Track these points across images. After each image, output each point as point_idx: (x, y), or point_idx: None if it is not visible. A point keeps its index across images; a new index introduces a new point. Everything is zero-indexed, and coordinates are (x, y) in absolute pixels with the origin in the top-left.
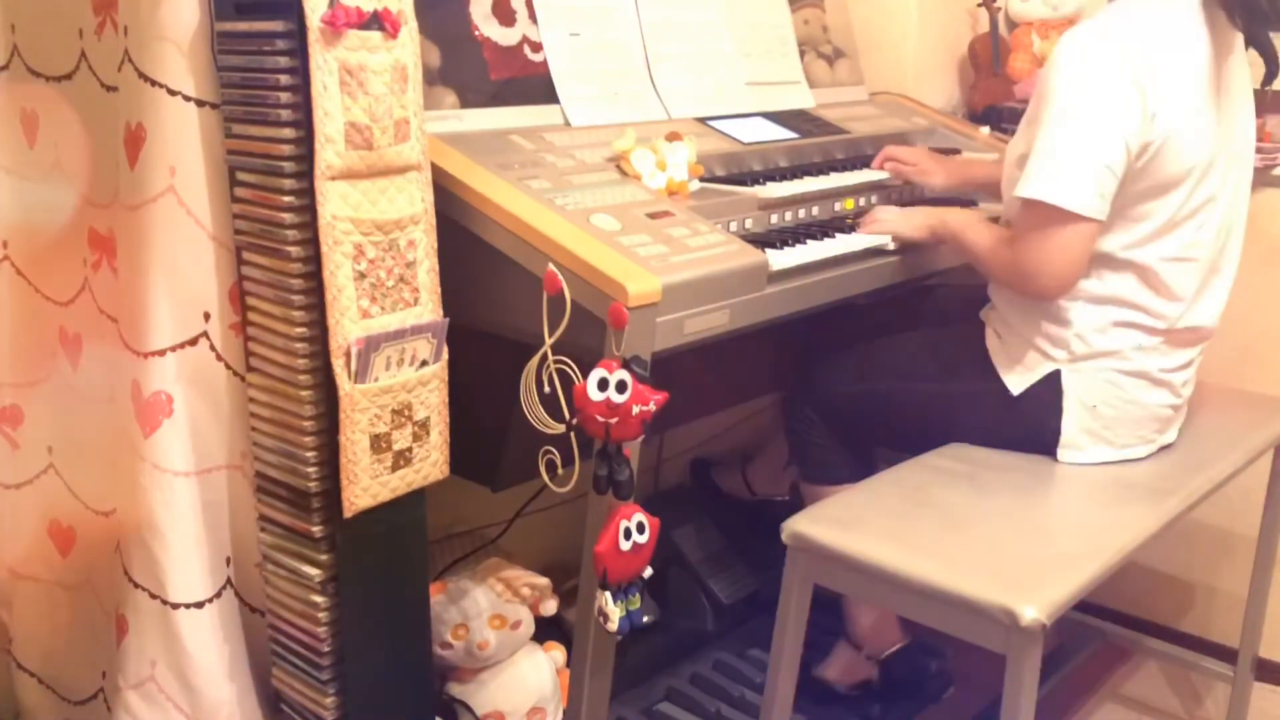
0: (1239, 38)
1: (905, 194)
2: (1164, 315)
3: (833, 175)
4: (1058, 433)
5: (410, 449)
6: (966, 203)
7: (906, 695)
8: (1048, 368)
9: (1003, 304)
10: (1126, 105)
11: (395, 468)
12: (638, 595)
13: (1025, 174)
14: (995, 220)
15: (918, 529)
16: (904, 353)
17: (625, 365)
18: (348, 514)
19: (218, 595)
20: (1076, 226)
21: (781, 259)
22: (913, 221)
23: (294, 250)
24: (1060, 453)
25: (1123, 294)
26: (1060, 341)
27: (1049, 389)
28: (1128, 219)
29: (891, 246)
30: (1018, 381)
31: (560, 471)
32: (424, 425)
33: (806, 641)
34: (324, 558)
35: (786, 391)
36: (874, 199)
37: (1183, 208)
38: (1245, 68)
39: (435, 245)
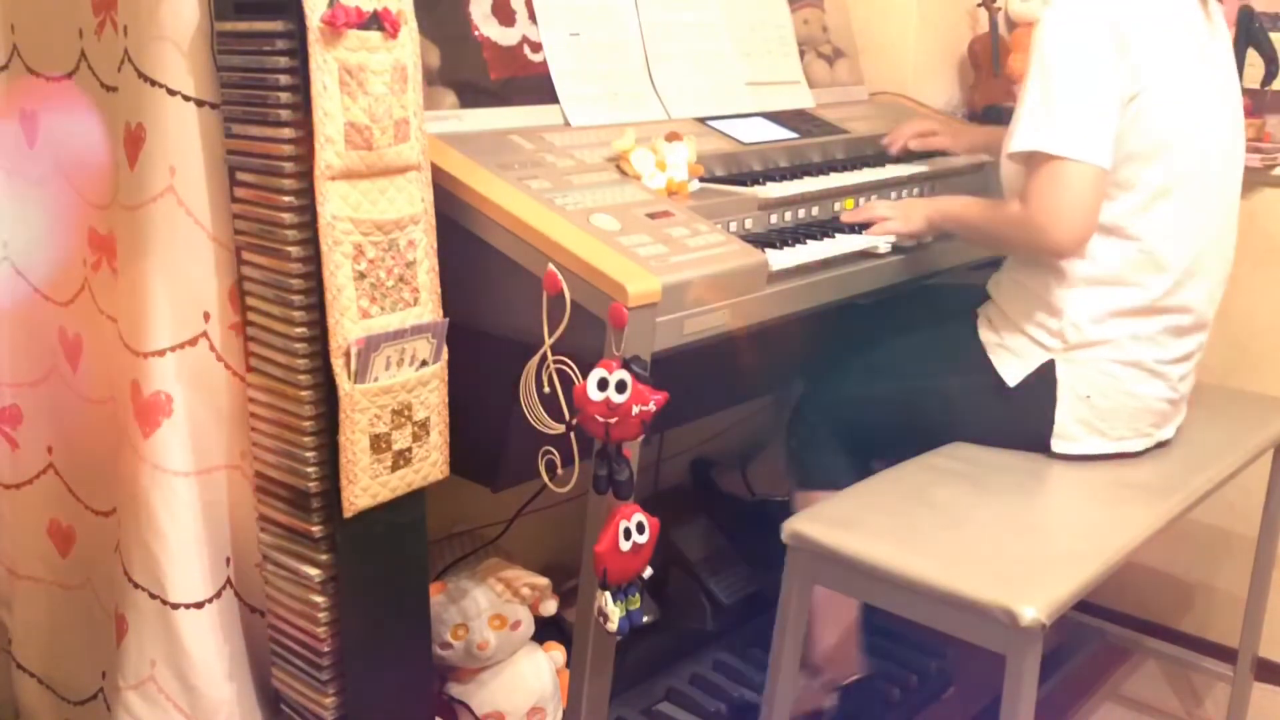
0: (1218, 14)
1: (903, 194)
2: (1153, 288)
3: (832, 175)
4: (1052, 423)
5: (410, 449)
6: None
7: None
8: (1042, 358)
9: (1000, 296)
10: (1109, 53)
11: (395, 468)
12: (638, 595)
13: (1018, 127)
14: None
15: (917, 529)
16: (900, 353)
17: (625, 365)
18: (348, 514)
19: (217, 595)
20: (1081, 172)
21: (781, 259)
22: (910, 215)
23: (294, 250)
24: (1054, 443)
25: (1115, 271)
26: (1054, 331)
27: (1044, 379)
28: (1117, 184)
29: (883, 249)
30: (1013, 372)
31: (560, 471)
32: (424, 425)
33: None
34: (324, 558)
35: (793, 399)
36: (874, 199)
37: (1170, 175)
38: (1228, 48)
39: (435, 245)
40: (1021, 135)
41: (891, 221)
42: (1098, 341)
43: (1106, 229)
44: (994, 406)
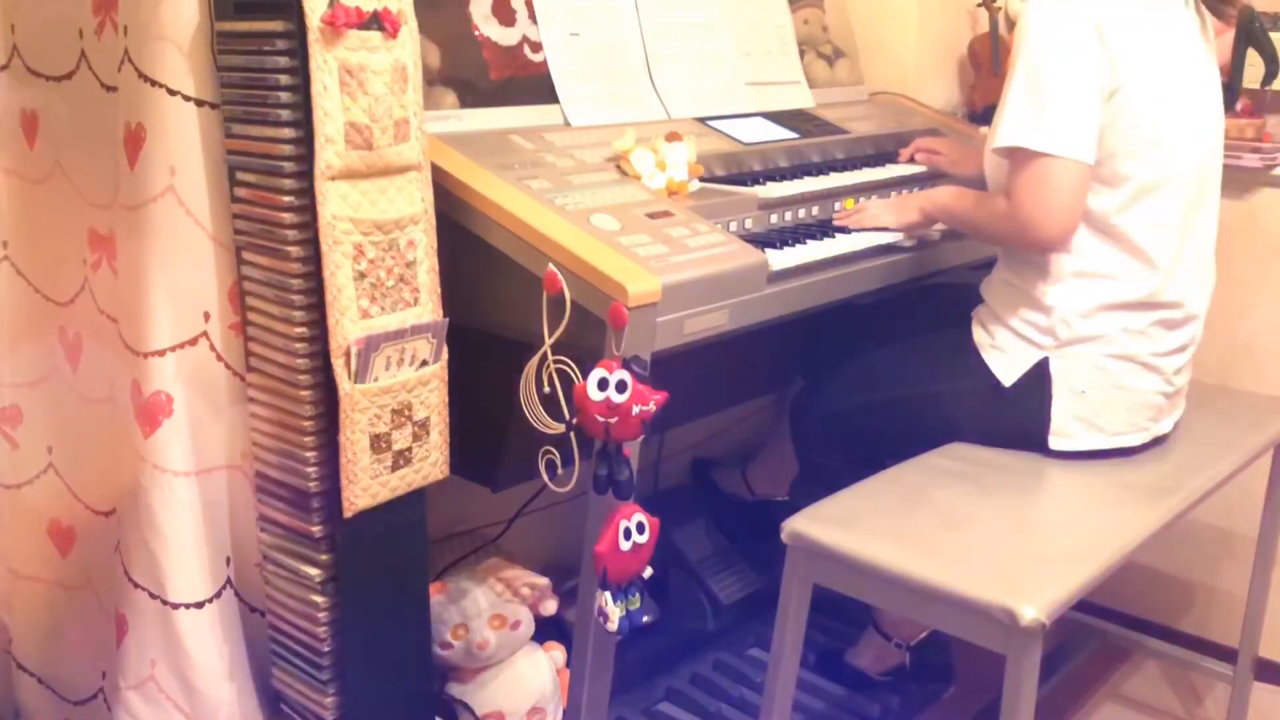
0: (1207, 23)
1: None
2: (1142, 285)
3: (832, 175)
4: (1049, 421)
5: (410, 449)
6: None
7: (938, 679)
8: (1036, 356)
9: (991, 297)
10: (1091, 49)
11: (395, 468)
12: (638, 595)
13: (1001, 124)
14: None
15: (917, 528)
16: (896, 361)
17: (625, 365)
18: (348, 514)
19: (217, 595)
20: (1064, 168)
21: (781, 259)
22: (902, 209)
23: (294, 250)
24: (1051, 440)
25: (1102, 266)
26: (1045, 328)
27: (1038, 377)
28: (1104, 180)
29: (890, 239)
30: (1008, 373)
31: (560, 471)
32: (424, 425)
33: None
34: (324, 558)
35: (791, 413)
36: (874, 199)
37: (1154, 172)
38: (1212, 53)
39: (435, 245)
40: (1005, 131)
41: (883, 216)
42: (1089, 337)
43: (1092, 225)
44: (991, 408)
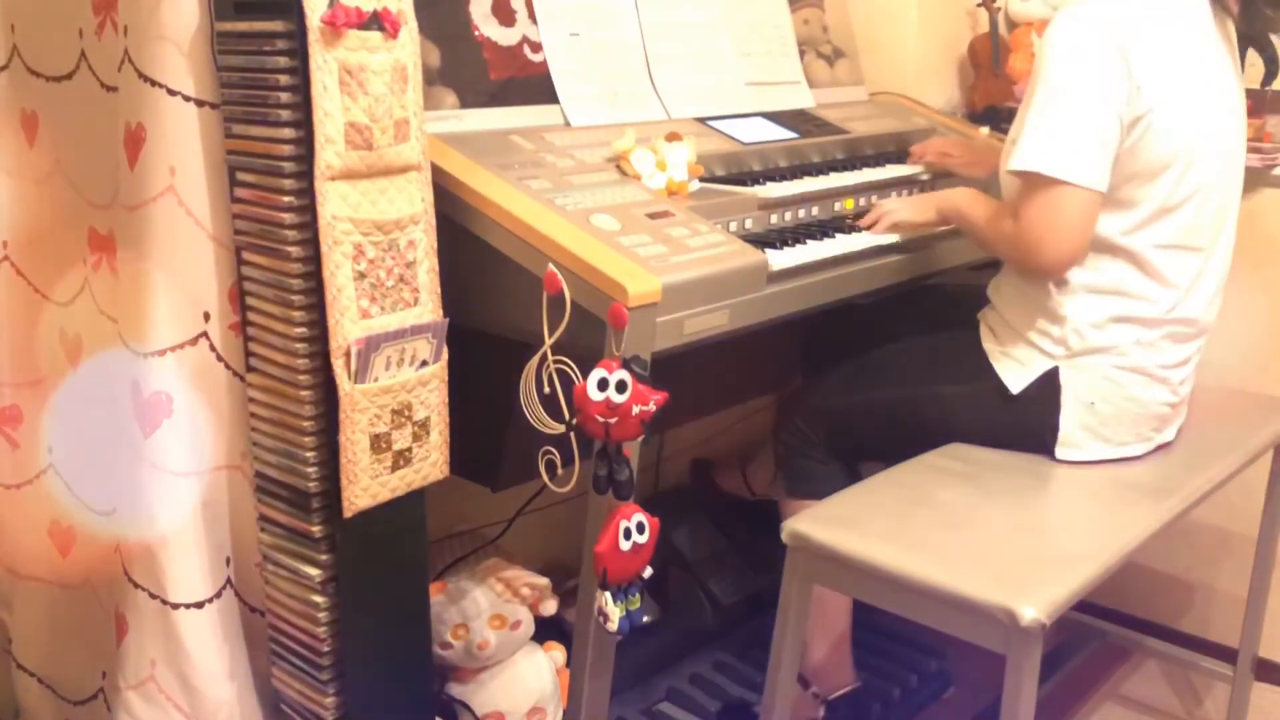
0: (1229, 27)
1: (903, 194)
2: (1158, 303)
3: (832, 175)
4: (1056, 430)
5: (410, 449)
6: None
7: None
8: (1046, 365)
9: (1000, 302)
10: (1114, 76)
11: (395, 468)
12: (638, 595)
13: (1019, 147)
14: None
15: (917, 529)
16: (900, 359)
17: (625, 365)
18: (348, 514)
19: (217, 595)
20: (1076, 197)
21: (781, 259)
22: (919, 207)
23: (294, 250)
24: (1058, 450)
25: (1118, 283)
26: (1058, 338)
27: (1047, 386)
28: (1120, 203)
29: (891, 239)
30: (1016, 380)
31: (560, 471)
32: (424, 425)
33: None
34: (324, 558)
35: (780, 404)
36: (874, 199)
37: (1174, 194)
38: (1234, 57)
39: (435, 245)
40: (1021, 155)
41: (899, 212)
42: (1101, 348)
43: (1107, 246)
44: (997, 414)
